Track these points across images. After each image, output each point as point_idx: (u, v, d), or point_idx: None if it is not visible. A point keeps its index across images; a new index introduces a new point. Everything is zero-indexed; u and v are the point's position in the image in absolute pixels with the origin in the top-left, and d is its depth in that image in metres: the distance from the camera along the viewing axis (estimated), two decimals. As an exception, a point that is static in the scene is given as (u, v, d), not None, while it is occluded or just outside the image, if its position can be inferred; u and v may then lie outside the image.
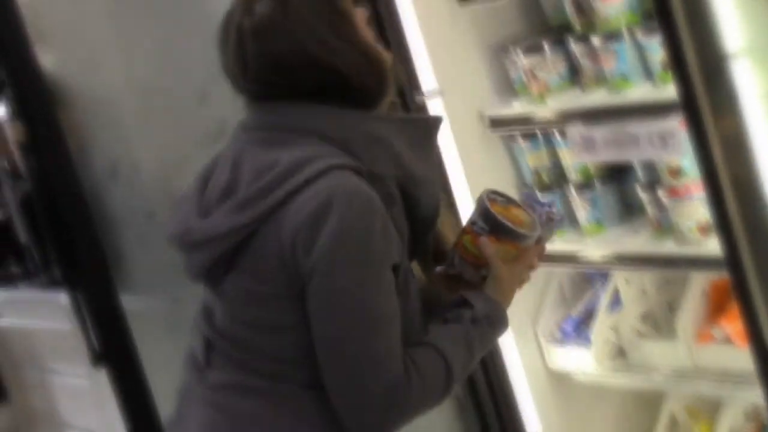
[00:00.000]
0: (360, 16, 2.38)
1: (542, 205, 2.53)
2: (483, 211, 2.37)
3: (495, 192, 2.43)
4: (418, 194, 2.39)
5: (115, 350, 4.04)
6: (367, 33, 2.38)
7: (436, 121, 2.45)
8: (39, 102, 3.93)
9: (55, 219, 4.01)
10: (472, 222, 2.39)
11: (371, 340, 2.27)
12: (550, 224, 2.48)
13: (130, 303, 4.05)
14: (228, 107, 3.67)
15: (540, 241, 2.43)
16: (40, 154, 3.97)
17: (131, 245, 4.09)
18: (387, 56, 2.39)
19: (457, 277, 2.45)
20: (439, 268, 2.50)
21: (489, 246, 2.38)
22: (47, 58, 4.00)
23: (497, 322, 2.40)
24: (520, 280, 2.46)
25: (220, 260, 2.38)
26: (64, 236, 4.00)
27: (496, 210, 2.37)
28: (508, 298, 2.43)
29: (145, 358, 4.08)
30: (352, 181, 2.27)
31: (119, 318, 4.01)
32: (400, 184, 2.35)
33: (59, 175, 3.93)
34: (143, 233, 4.04)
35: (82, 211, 3.96)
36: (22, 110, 3.92)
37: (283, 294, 2.32)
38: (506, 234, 2.36)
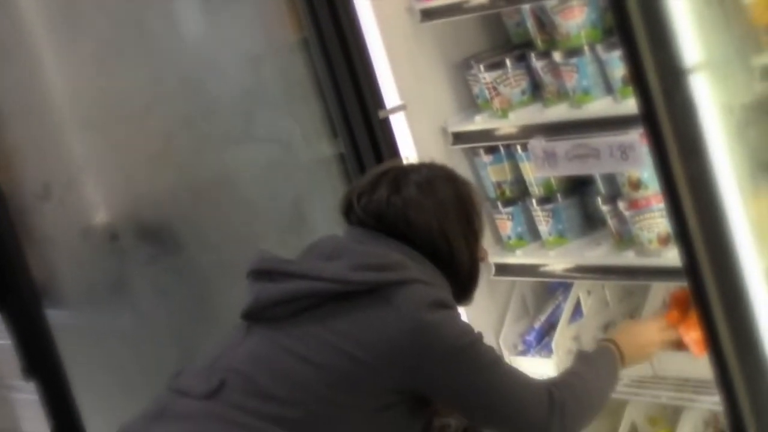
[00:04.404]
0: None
1: None
2: None
3: None
4: None
5: (42, 364, 4.08)
6: (481, 249, 2.90)
7: None
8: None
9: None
10: None
11: (509, 378, 2.73)
12: None
13: (60, 318, 4.08)
14: (174, 126, 3.72)
15: None
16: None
17: (63, 263, 4.11)
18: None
19: None
20: None
21: None
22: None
23: (607, 356, 2.98)
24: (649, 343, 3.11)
25: (307, 300, 2.60)
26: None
27: None
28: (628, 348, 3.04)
29: (75, 371, 4.11)
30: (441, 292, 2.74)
31: (45, 333, 4.05)
32: None
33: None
34: (75, 251, 4.05)
35: (8, 232, 3.99)
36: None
37: (384, 371, 2.58)
38: None
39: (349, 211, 2.81)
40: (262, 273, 2.66)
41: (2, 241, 3.92)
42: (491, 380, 2.69)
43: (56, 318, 4.06)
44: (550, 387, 2.76)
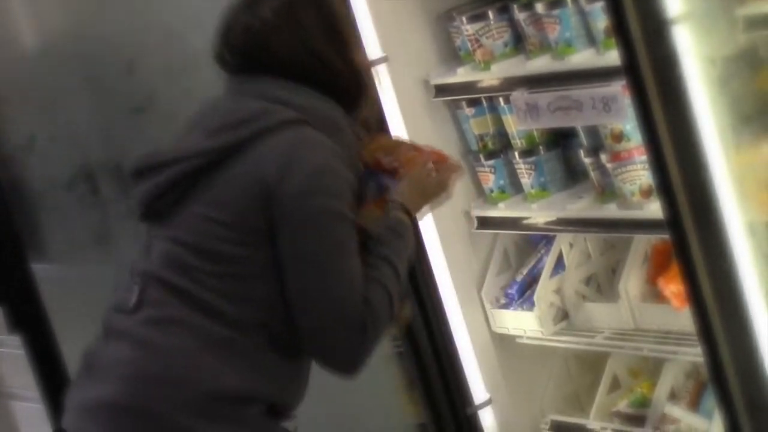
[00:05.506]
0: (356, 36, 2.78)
1: None
2: None
3: None
4: None
5: (27, 317, 4.08)
6: (360, 53, 2.78)
7: None
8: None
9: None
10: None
11: (344, 268, 2.52)
12: None
13: (45, 271, 4.08)
14: (157, 79, 3.69)
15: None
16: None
17: (47, 216, 4.10)
18: (370, 77, 2.81)
19: None
20: None
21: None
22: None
23: (401, 229, 2.68)
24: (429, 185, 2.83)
25: (179, 184, 2.54)
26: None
27: None
28: (414, 201, 2.76)
29: (60, 323, 4.12)
30: (315, 133, 2.58)
31: (30, 286, 4.05)
32: None
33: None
34: (60, 203, 4.04)
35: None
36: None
37: (246, 226, 2.50)
38: None
39: (222, 61, 2.72)
40: (137, 173, 2.64)
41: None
42: (329, 259, 2.51)
43: (41, 271, 4.07)
44: (364, 312, 2.52)
